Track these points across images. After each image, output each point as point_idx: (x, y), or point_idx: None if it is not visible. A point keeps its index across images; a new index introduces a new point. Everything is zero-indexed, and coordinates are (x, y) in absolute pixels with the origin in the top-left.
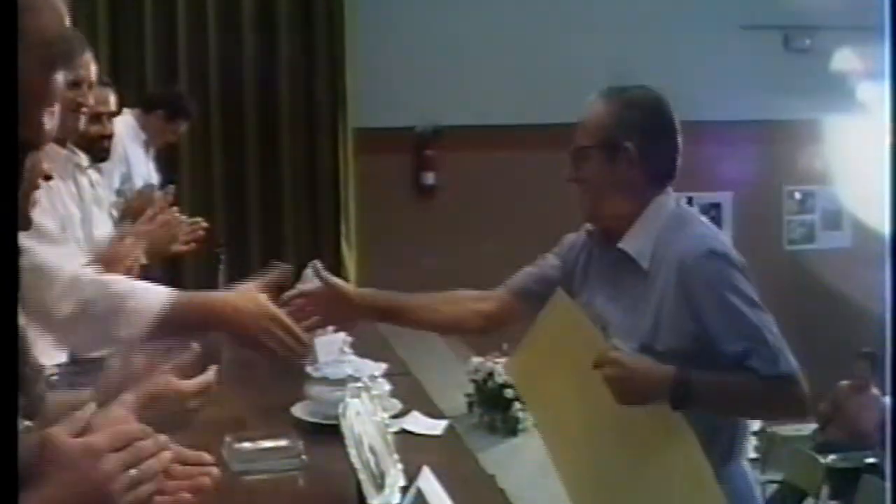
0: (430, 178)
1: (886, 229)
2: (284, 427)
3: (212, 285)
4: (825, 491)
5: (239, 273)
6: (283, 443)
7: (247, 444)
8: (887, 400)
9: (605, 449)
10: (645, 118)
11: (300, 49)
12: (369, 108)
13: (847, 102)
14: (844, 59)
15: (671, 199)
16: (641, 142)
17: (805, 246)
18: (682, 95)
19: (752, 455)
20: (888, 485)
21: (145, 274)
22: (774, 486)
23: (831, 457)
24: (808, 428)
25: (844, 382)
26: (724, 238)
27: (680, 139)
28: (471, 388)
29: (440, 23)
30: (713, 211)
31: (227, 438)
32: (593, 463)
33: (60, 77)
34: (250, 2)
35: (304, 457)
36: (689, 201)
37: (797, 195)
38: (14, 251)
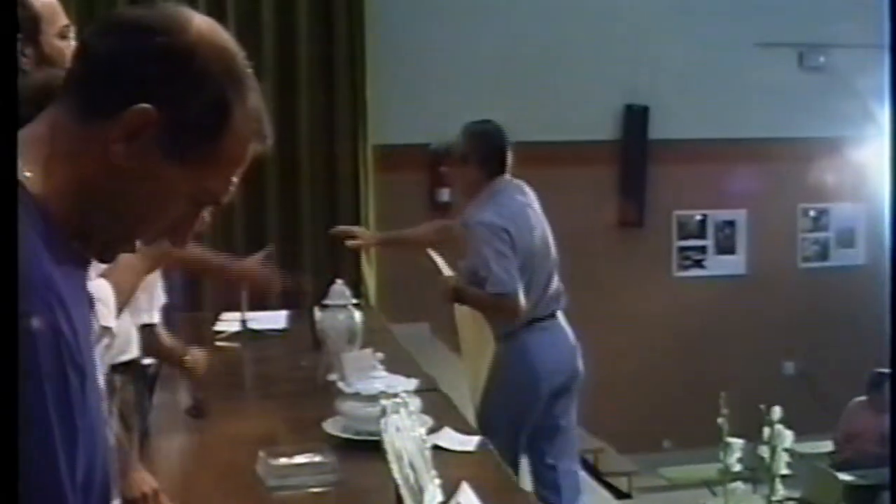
0: (444, 194)
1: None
2: (316, 442)
3: (231, 300)
4: None
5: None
6: (317, 458)
7: (282, 460)
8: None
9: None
10: (483, 143)
11: (320, 67)
12: (386, 126)
13: (861, 120)
14: (858, 77)
15: (499, 185)
16: (479, 159)
17: (819, 263)
18: (696, 113)
19: (785, 471)
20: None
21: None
22: (793, 503)
23: (849, 474)
24: (827, 445)
25: (859, 399)
26: (502, 212)
27: (506, 154)
28: None
29: (455, 42)
30: (727, 228)
31: (262, 454)
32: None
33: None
34: (269, 18)
35: (338, 472)
36: (704, 219)
37: (811, 212)
38: (14, 249)
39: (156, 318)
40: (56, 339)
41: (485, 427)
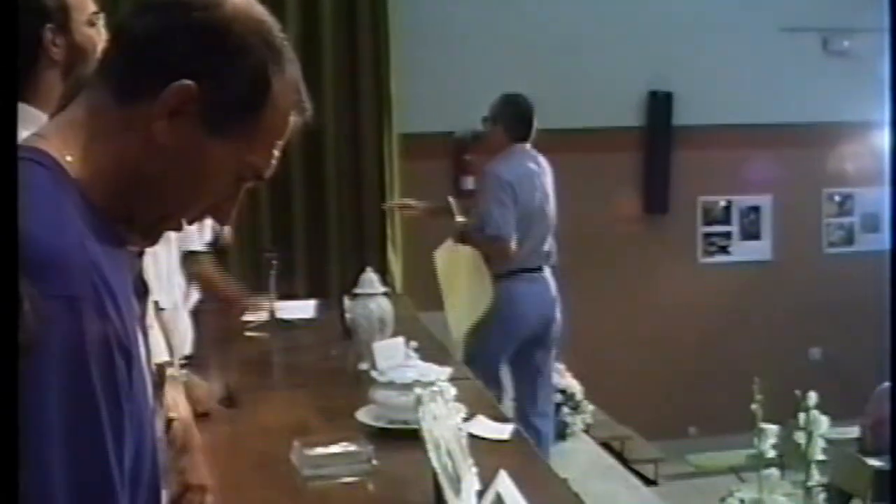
0: (469, 182)
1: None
2: (350, 432)
3: (263, 289)
4: (871, 494)
5: (285, 278)
6: (352, 448)
7: (316, 450)
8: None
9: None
10: (512, 110)
11: (344, 55)
12: (411, 114)
13: (885, 105)
14: (882, 62)
15: (518, 149)
16: (506, 123)
17: (844, 248)
18: (721, 99)
19: (820, 457)
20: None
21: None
22: (822, 488)
23: (877, 460)
24: (854, 431)
25: (886, 385)
26: (511, 170)
27: (530, 124)
28: None
29: (479, 30)
30: (752, 214)
31: (296, 443)
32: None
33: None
34: (294, 7)
35: (374, 461)
36: (729, 204)
37: (836, 197)
38: (14, 246)
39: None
40: (102, 322)
41: (470, 357)
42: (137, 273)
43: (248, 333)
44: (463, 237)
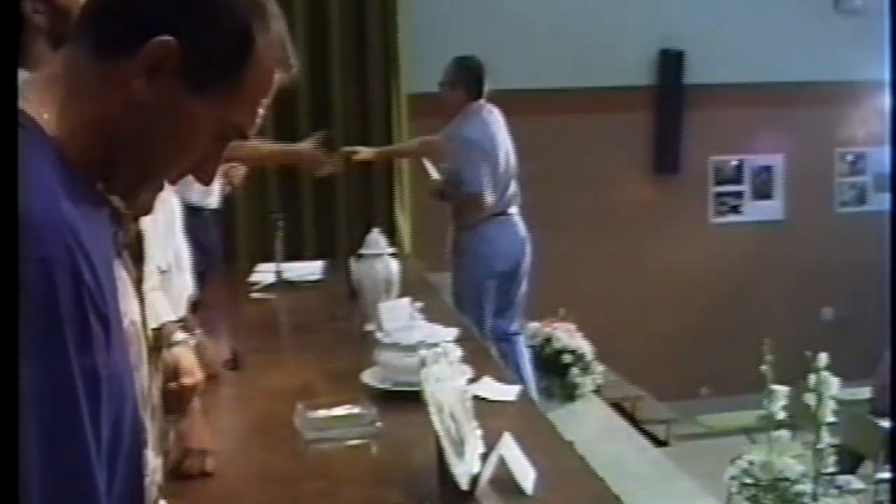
0: None
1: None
2: (355, 394)
3: (268, 251)
4: (882, 455)
5: (292, 240)
6: (356, 410)
7: (320, 412)
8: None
9: None
10: (466, 72)
11: (352, 14)
12: (419, 73)
13: (886, 66)
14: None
15: (475, 108)
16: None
17: (856, 208)
18: (732, 58)
19: (831, 419)
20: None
21: (198, 238)
22: (833, 450)
23: (888, 421)
24: (865, 392)
25: None
26: (475, 129)
27: (482, 82)
28: (528, 354)
29: None
30: (764, 174)
31: (300, 406)
32: None
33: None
34: None
35: (378, 424)
36: (740, 164)
37: (848, 157)
38: (14, 244)
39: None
40: (76, 283)
41: (459, 303)
42: (135, 236)
43: (254, 295)
44: (441, 195)
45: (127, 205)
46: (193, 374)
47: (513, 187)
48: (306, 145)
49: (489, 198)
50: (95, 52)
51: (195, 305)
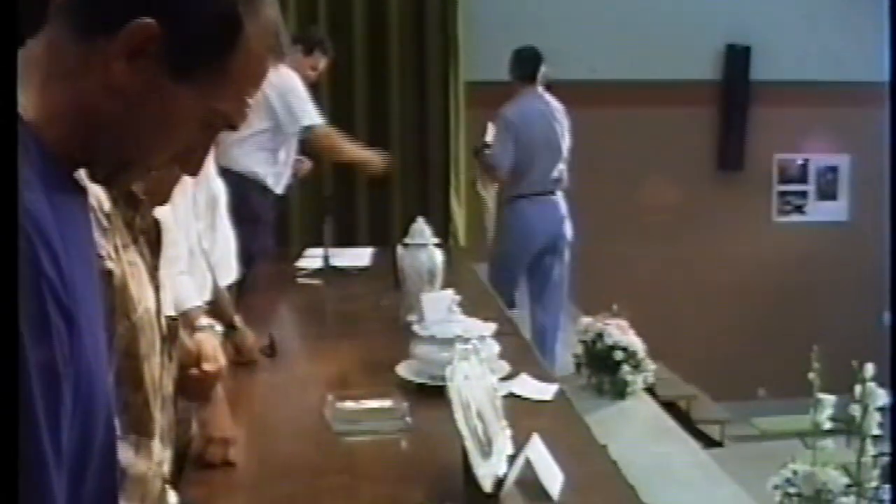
0: None
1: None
2: (388, 386)
3: (321, 237)
4: None
5: (346, 227)
6: (387, 403)
7: (350, 404)
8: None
9: None
10: (518, 60)
11: (410, 4)
12: (479, 61)
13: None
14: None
15: (526, 92)
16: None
17: None
18: (799, 54)
19: (877, 432)
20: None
21: (259, 219)
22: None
23: None
24: None
25: None
26: (515, 110)
27: (535, 70)
28: (579, 349)
29: None
30: (830, 174)
31: (330, 397)
32: None
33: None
34: None
35: (408, 419)
36: (806, 163)
37: None
38: (14, 242)
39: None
40: (36, 279)
41: (493, 272)
42: (152, 223)
43: (301, 280)
44: (476, 153)
45: (109, 191)
46: (215, 360)
47: (557, 172)
48: (377, 157)
49: (503, 174)
50: (77, 31)
51: (240, 287)
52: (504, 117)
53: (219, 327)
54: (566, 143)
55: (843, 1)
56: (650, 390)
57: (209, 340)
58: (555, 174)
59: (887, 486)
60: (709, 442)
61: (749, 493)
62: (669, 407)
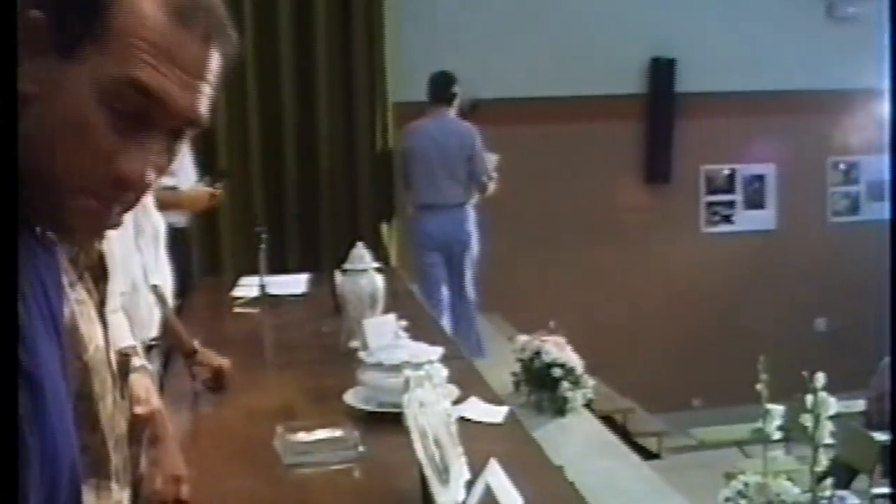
0: None
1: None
2: (337, 415)
3: (252, 264)
4: (877, 469)
5: (277, 252)
6: (338, 433)
7: (300, 435)
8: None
9: None
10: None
11: (337, 24)
12: (407, 82)
13: (890, 71)
14: (887, 27)
15: (428, 112)
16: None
17: (849, 217)
18: (724, 66)
19: (828, 441)
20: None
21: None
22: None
23: (884, 434)
24: (859, 404)
25: (890, 358)
26: (409, 129)
27: (436, 93)
28: (517, 367)
29: None
30: (756, 183)
31: (280, 429)
32: None
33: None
34: None
35: (360, 448)
36: (732, 173)
37: (841, 166)
38: (14, 244)
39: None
40: None
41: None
42: (96, 258)
43: (237, 309)
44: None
45: (59, 235)
46: (147, 402)
47: (457, 184)
48: (195, 191)
49: (409, 187)
50: None
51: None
52: (403, 140)
53: (150, 366)
54: (469, 160)
55: (767, 11)
56: (588, 406)
57: (140, 382)
58: (454, 187)
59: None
60: (647, 454)
61: None
62: (606, 421)
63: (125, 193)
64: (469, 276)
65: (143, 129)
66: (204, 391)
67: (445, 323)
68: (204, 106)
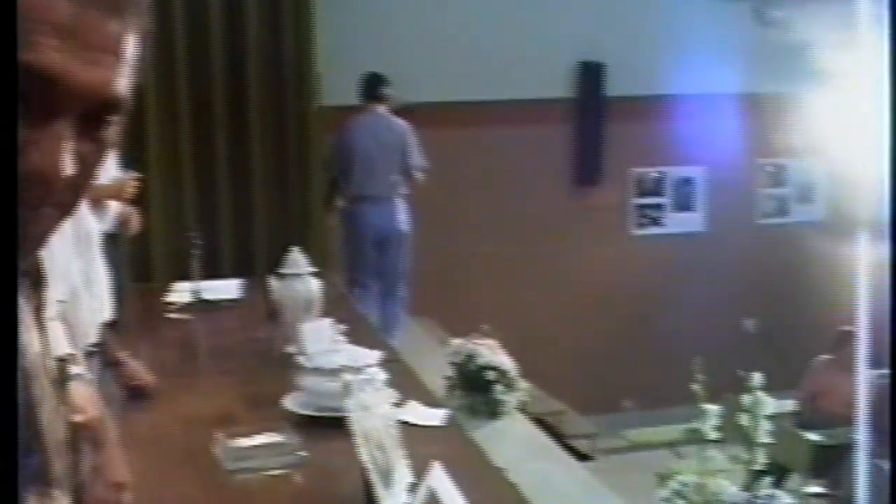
0: None
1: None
2: (276, 420)
3: (185, 271)
4: (810, 469)
5: (211, 258)
6: (278, 438)
7: (240, 441)
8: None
9: None
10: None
11: (267, 27)
12: (336, 86)
13: (818, 75)
14: (815, 32)
15: (361, 111)
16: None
17: (778, 219)
18: (653, 70)
19: (765, 439)
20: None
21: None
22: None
23: (815, 434)
24: (788, 404)
25: (824, 358)
26: (343, 126)
27: (366, 93)
28: (450, 371)
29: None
30: (685, 185)
31: (219, 435)
32: None
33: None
34: None
35: (301, 452)
36: (661, 176)
37: (769, 168)
38: (14, 247)
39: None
40: None
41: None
42: (33, 264)
43: (170, 315)
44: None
45: None
46: (85, 410)
47: (392, 178)
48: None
49: (343, 183)
50: None
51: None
52: (338, 134)
53: (89, 374)
54: (404, 154)
55: (694, 15)
56: (521, 409)
57: (79, 390)
58: (389, 180)
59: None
60: (579, 456)
61: None
62: (539, 423)
63: (46, 191)
64: (402, 268)
65: (52, 115)
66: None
67: (372, 313)
68: (117, 83)
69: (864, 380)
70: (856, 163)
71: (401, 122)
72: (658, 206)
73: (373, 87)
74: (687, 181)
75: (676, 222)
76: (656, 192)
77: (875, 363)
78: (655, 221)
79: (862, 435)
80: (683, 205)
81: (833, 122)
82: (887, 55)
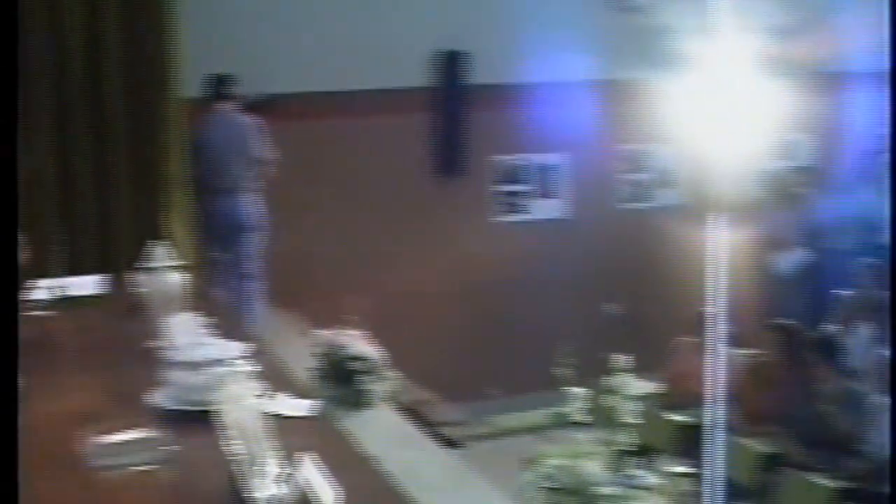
0: None
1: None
2: (145, 416)
3: (43, 267)
4: (673, 448)
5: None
6: (145, 434)
7: (108, 438)
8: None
9: None
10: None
11: (128, 21)
12: (196, 78)
13: (678, 61)
14: (674, 17)
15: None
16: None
17: (638, 204)
18: (510, 58)
19: (631, 420)
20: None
21: None
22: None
23: (678, 414)
24: (650, 386)
25: (686, 339)
26: (199, 121)
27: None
28: (315, 362)
29: None
30: (548, 172)
31: (85, 432)
32: None
33: None
34: None
35: (170, 447)
36: (524, 163)
37: (630, 154)
38: (14, 249)
39: None
40: None
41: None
42: None
43: (31, 313)
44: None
45: None
46: None
47: (240, 171)
48: None
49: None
50: None
51: None
52: (193, 129)
53: None
54: (248, 147)
55: (551, 4)
56: (388, 399)
57: None
58: (235, 173)
59: (641, 472)
60: (448, 444)
61: (501, 491)
62: (406, 412)
63: None
64: (255, 259)
65: None
66: None
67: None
68: None
69: (725, 359)
70: (713, 147)
71: (245, 118)
72: (521, 194)
73: (218, 86)
74: (549, 168)
75: (539, 209)
76: (519, 180)
77: (735, 342)
78: (519, 208)
79: (722, 413)
80: (546, 191)
81: (691, 107)
82: (887, 55)
